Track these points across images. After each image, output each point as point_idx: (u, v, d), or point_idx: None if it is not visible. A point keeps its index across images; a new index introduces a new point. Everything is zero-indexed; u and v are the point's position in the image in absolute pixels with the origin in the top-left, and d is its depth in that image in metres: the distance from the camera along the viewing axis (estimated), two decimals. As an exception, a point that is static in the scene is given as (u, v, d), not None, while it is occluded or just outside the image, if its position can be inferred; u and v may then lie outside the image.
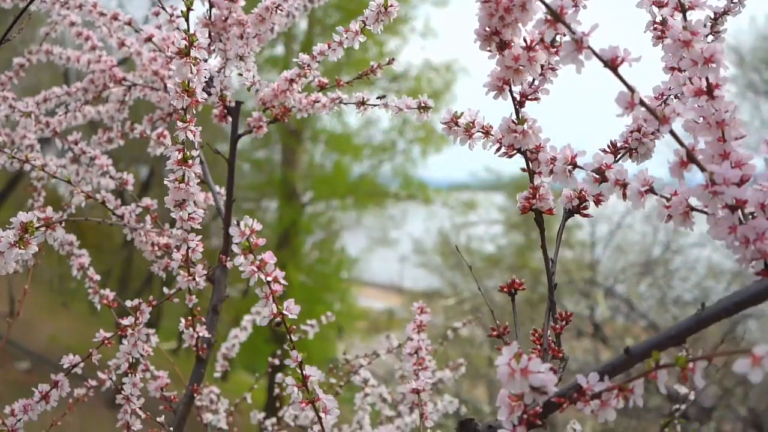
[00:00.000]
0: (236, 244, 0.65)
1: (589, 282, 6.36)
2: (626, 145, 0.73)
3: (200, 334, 1.03)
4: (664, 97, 0.73)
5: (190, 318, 1.02)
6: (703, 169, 0.54)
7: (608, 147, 0.74)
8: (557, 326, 0.68)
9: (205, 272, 0.97)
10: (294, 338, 0.70)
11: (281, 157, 11.70)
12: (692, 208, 0.58)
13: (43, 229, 0.69)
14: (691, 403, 1.18)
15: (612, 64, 0.54)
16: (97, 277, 1.16)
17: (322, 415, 0.69)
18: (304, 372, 0.69)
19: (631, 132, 0.73)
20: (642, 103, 0.54)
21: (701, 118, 0.58)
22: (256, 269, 0.66)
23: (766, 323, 6.92)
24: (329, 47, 0.97)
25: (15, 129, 1.39)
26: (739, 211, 0.56)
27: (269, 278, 0.67)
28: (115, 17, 1.17)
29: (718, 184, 0.54)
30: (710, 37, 0.76)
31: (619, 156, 0.74)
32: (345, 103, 1.03)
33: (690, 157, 0.55)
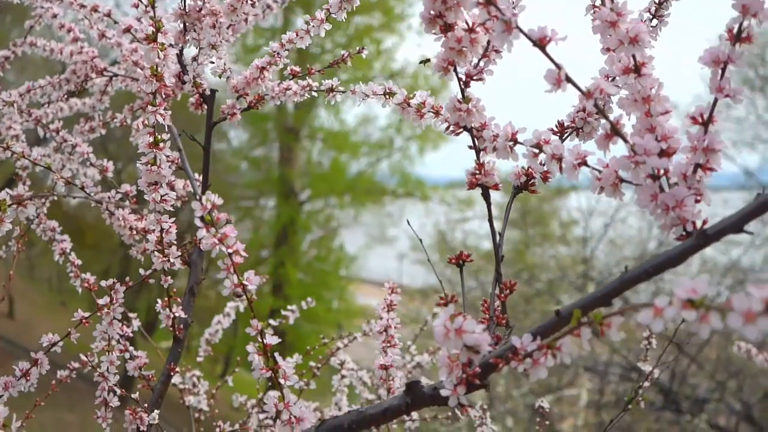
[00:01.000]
0: (198, 218, 0.69)
1: (583, 276, 6.40)
2: (572, 125, 0.77)
3: (176, 315, 1.06)
4: (609, 79, 0.76)
5: (166, 299, 1.05)
6: (626, 141, 0.58)
7: (555, 126, 0.77)
8: (503, 295, 0.72)
9: (180, 253, 1.00)
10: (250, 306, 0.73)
11: (279, 156, 11.74)
12: (621, 180, 0.61)
13: (14, 206, 0.72)
14: (651, 380, 1.21)
15: (540, 43, 0.57)
16: (79, 262, 1.19)
17: (281, 381, 0.72)
18: (265, 341, 0.73)
19: (577, 112, 0.77)
20: (568, 79, 0.57)
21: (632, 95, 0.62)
22: (217, 242, 0.70)
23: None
24: (297, 35, 1.01)
25: (1, 120, 1.43)
26: (665, 181, 0.60)
27: (231, 251, 0.70)
28: (94, 9, 1.21)
29: (639, 154, 0.57)
30: (654, 21, 0.80)
31: (566, 135, 0.77)
32: (316, 91, 1.07)
33: (614, 130, 0.58)
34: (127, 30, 1.13)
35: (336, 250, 11.93)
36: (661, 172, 0.58)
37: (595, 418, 6.26)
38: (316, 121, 11.98)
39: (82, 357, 1.23)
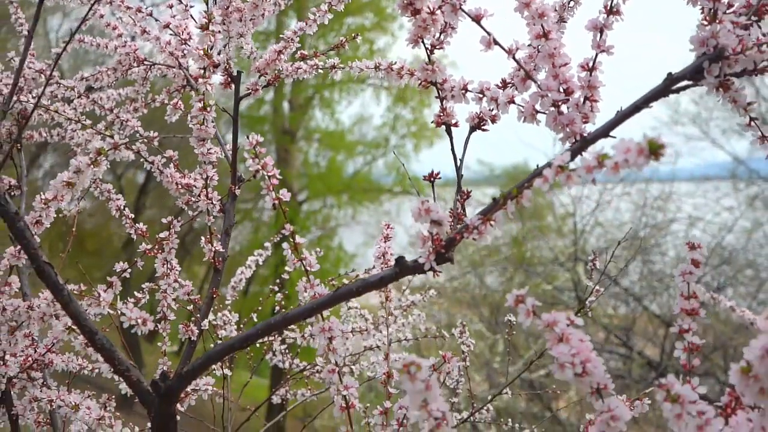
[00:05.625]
0: (246, 150, 0.97)
1: (573, 259, 6.70)
2: (512, 81, 1.05)
3: (216, 249, 1.34)
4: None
5: (209, 236, 1.34)
6: (535, 82, 0.87)
7: (501, 82, 1.06)
8: (462, 200, 1.00)
9: (220, 197, 1.29)
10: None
11: (276, 157, 12.02)
12: (537, 111, 0.90)
13: (112, 150, 1.00)
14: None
15: (477, 19, 0.86)
16: (132, 215, 1.48)
17: (308, 268, 1.01)
18: (295, 240, 1.01)
19: (516, 71, 1.05)
20: (495, 42, 0.86)
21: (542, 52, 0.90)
22: (260, 168, 0.98)
23: (740, 292, 7.27)
24: (306, 24, 1.30)
25: (57, 109, 1.71)
26: (565, 109, 0.88)
27: (270, 174, 0.99)
28: (138, 10, 1.49)
29: (544, 90, 0.86)
30: (572, 2, 1.09)
31: (508, 88, 1.06)
32: (321, 69, 1.35)
33: (527, 75, 0.87)
34: (166, 26, 1.42)
35: (335, 249, 12.19)
36: (560, 102, 0.86)
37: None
38: (312, 123, 12.28)
39: (138, 294, 1.50)
